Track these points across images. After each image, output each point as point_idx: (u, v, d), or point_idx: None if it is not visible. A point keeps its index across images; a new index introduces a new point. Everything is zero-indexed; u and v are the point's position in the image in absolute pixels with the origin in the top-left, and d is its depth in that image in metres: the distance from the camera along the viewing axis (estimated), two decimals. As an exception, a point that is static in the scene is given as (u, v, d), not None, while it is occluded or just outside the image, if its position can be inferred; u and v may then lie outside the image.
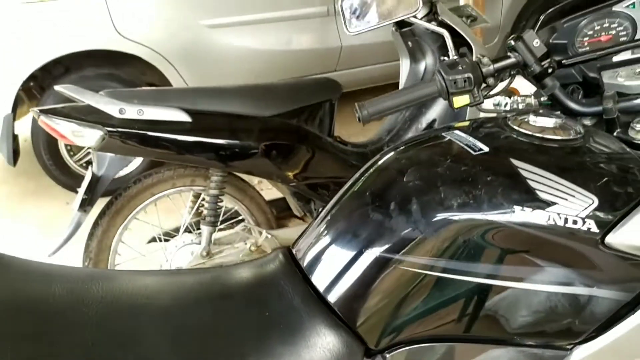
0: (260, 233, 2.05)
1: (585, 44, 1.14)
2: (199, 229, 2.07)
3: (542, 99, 1.15)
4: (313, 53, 3.76)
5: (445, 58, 2.34)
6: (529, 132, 0.91)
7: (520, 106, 1.20)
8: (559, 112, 0.99)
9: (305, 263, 0.90)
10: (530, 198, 0.82)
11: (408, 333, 0.84)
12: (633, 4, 1.11)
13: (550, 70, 1.06)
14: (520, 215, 0.81)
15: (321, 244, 0.90)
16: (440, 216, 0.83)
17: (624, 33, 1.11)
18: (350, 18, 1.15)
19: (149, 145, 1.83)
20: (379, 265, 0.84)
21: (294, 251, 0.94)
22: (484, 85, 1.07)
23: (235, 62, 3.50)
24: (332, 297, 0.85)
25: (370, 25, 1.15)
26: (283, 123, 2.03)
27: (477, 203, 0.82)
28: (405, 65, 2.47)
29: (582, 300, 0.85)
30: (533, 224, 0.81)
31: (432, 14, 2.23)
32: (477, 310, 0.84)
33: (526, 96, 1.19)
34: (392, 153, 0.97)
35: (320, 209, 2.04)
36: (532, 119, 0.94)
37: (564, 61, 1.09)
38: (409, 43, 2.35)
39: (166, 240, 2.12)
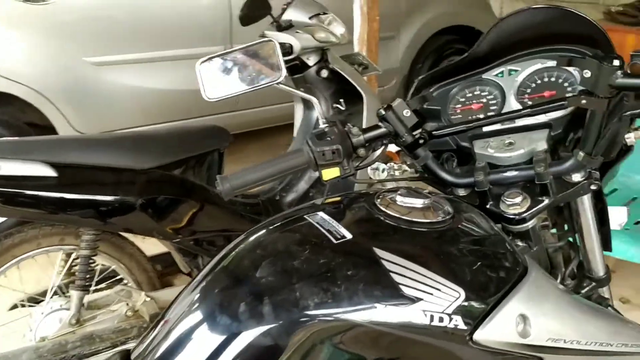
0: (139, 295, 1.89)
1: (458, 111, 1.11)
2: (72, 291, 1.88)
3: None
4: (211, 92, 3.64)
5: (338, 106, 2.32)
6: (397, 215, 0.85)
7: (397, 173, 1.16)
8: (427, 191, 0.94)
9: None
10: (394, 294, 0.74)
11: None
12: (502, 72, 1.10)
13: (421, 141, 1.02)
14: (383, 314, 0.73)
15: (160, 352, 0.78)
16: (295, 319, 0.73)
17: (494, 102, 1.09)
18: (208, 83, 1.05)
19: (9, 203, 1.64)
20: None
21: (132, 357, 0.81)
22: (354, 155, 1.00)
23: (126, 102, 3.31)
24: None
25: (231, 92, 1.06)
26: (165, 175, 1.90)
27: (336, 302, 0.74)
28: (299, 111, 2.42)
29: None
30: (397, 323, 0.74)
31: (323, 62, 2.20)
32: None
33: (403, 162, 1.15)
34: (249, 240, 0.87)
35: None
36: (399, 199, 0.88)
37: (434, 132, 1.05)
38: (301, 89, 2.30)
39: (32, 306, 1.91)
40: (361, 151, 1.00)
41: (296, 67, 2.21)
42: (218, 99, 1.06)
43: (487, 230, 0.88)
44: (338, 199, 0.96)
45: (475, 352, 0.77)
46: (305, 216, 0.87)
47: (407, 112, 1.01)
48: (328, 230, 0.82)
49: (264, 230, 0.88)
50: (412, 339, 0.75)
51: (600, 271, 1.12)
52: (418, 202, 0.87)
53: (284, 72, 1.05)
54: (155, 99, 3.41)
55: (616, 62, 0.84)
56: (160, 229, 1.88)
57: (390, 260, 0.76)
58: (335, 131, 0.98)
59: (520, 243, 1.00)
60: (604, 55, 0.86)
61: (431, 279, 0.76)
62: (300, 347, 0.72)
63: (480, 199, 1.02)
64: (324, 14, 2.21)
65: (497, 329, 0.76)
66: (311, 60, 2.20)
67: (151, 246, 2.17)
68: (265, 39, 1.08)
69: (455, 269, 0.78)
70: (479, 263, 0.80)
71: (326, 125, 1.02)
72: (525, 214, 0.96)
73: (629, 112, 0.89)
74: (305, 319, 0.73)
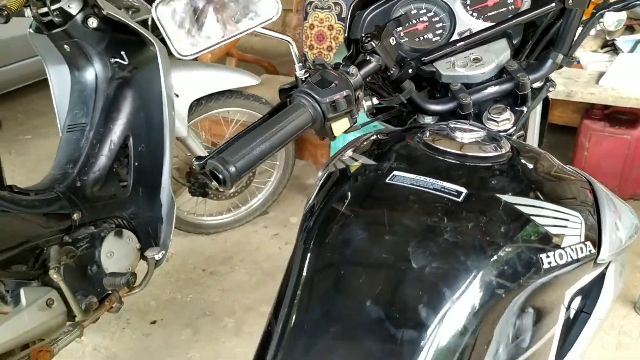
0: None
1: (402, 34, 1.01)
2: None
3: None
4: None
5: (119, 60, 1.94)
6: (475, 154, 0.74)
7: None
8: (466, 121, 0.85)
9: None
10: (546, 238, 0.66)
11: None
12: None
13: (410, 71, 0.90)
14: (547, 263, 0.65)
15: None
16: (484, 304, 0.60)
17: (438, 18, 1.02)
18: (175, 34, 0.72)
19: None
20: None
21: None
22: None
23: None
24: None
25: (210, 43, 0.75)
26: None
27: (508, 266, 0.62)
28: (59, 75, 1.96)
29: None
30: (558, 265, 0.66)
31: (90, 8, 1.80)
32: None
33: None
34: (354, 232, 0.66)
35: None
36: (458, 135, 0.77)
37: (424, 58, 0.94)
38: (66, 47, 1.85)
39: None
40: (360, 93, 0.84)
41: (53, 22, 1.77)
42: (194, 54, 0.74)
43: (537, 152, 0.83)
44: (375, 150, 0.80)
45: (595, 270, 0.74)
46: (387, 181, 0.70)
47: (393, 40, 0.88)
48: (435, 190, 0.67)
49: (353, 225, 0.67)
50: (568, 277, 0.68)
51: None
52: (478, 135, 0.78)
53: (280, 5, 0.78)
54: None
55: None
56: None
57: (521, 204, 0.67)
58: (335, 74, 0.80)
59: None
60: None
61: (559, 211, 0.69)
62: (488, 324, 0.60)
63: None
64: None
65: (607, 244, 0.74)
66: (73, 7, 1.78)
67: None
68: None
69: (564, 197, 0.73)
70: (565, 185, 0.76)
71: (306, 70, 0.83)
72: (513, 128, 0.94)
73: (613, 7, 0.92)
74: (487, 296, 0.60)
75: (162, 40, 1.83)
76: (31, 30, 1.90)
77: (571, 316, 0.79)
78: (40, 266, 1.63)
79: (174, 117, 1.97)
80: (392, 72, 0.88)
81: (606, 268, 0.82)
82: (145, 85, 1.92)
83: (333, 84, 0.78)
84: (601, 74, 2.52)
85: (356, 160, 0.78)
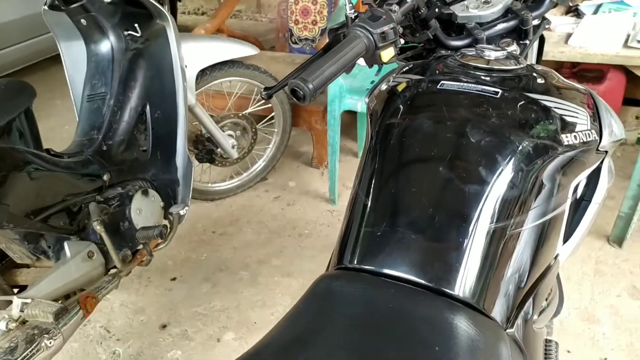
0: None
1: None
2: None
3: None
4: None
5: (132, 33, 2.06)
6: (501, 67, 0.93)
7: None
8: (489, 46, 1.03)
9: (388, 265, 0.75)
10: (563, 124, 0.85)
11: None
12: None
13: (437, 10, 1.08)
14: (566, 141, 0.84)
15: (398, 237, 0.75)
16: (524, 167, 0.79)
17: None
18: None
19: None
20: (491, 238, 0.75)
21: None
22: None
23: None
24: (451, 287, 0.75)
25: None
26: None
27: (539, 140, 0.81)
28: (72, 50, 2.07)
29: None
30: (573, 144, 0.85)
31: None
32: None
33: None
34: (419, 127, 0.84)
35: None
36: (486, 53, 0.96)
37: (447, 0, 1.12)
38: (83, 22, 1.97)
39: None
40: (400, 28, 1.02)
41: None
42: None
43: (546, 69, 1.02)
44: (418, 71, 0.98)
45: (597, 156, 0.94)
46: (438, 87, 0.88)
47: None
48: (478, 91, 0.86)
49: (419, 117, 0.86)
50: (580, 157, 0.87)
51: None
52: (501, 54, 0.96)
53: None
54: None
55: None
56: (10, 217, 1.49)
57: (543, 99, 0.86)
58: (382, 11, 0.97)
59: None
60: None
61: (570, 105, 0.89)
62: (534, 188, 0.79)
63: None
64: None
65: (607, 135, 0.94)
66: None
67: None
68: None
69: (573, 98, 0.92)
70: (570, 90, 0.95)
71: (353, 11, 1.00)
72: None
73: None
74: (531, 164, 0.79)
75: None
76: (45, 7, 2.00)
77: (577, 199, 0.99)
78: (78, 223, 1.76)
79: (186, 86, 2.10)
80: (422, 11, 1.06)
81: (601, 163, 1.02)
82: (157, 55, 2.05)
83: (382, 18, 0.95)
84: (569, 35, 2.76)
85: (403, 79, 0.96)
